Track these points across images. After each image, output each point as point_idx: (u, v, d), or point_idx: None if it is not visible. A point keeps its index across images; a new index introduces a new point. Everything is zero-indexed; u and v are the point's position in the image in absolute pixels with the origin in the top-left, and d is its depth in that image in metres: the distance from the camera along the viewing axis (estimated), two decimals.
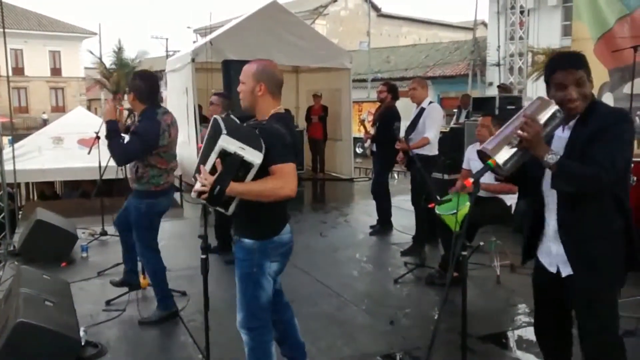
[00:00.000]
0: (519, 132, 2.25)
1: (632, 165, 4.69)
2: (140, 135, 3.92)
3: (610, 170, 2.20)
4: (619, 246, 2.38)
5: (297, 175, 2.62)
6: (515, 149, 2.29)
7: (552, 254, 2.52)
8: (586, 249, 2.40)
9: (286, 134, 2.66)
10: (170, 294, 4.32)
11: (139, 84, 4.04)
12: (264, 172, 2.54)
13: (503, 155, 2.30)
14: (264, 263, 2.70)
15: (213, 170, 2.49)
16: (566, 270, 2.47)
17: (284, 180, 2.55)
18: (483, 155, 2.36)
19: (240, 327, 2.78)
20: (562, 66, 2.36)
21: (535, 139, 2.24)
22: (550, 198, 2.48)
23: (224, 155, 2.48)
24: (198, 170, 2.55)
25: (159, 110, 4.10)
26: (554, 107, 2.30)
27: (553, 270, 2.52)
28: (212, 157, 2.50)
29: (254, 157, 2.49)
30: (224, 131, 2.49)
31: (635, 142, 6.02)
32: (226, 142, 2.47)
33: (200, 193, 2.51)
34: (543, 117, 2.29)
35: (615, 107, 2.53)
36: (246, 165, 2.49)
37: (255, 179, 2.53)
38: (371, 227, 6.94)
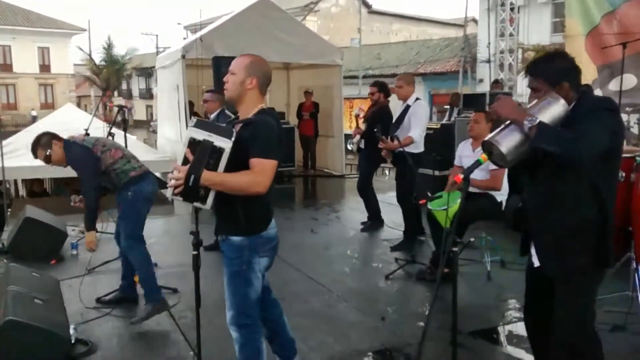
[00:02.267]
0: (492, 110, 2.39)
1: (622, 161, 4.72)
2: (81, 169, 4.19)
3: (589, 140, 2.22)
4: (588, 238, 2.38)
5: (274, 172, 2.61)
6: (506, 129, 2.35)
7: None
8: (551, 238, 2.45)
9: (276, 127, 2.67)
10: (157, 286, 4.30)
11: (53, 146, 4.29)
12: (244, 164, 2.54)
13: (497, 137, 2.35)
14: (253, 259, 2.70)
15: (185, 163, 2.50)
16: (537, 261, 2.54)
17: (259, 177, 2.54)
18: (487, 148, 2.40)
19: (230, 324, 2.77)
20: (526, 72, 2.54)
21: (504, 108, 2.33)
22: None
23: (193, 144, 2.50)
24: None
25: (84, 142, 4.32)
26: (557, 100, 2.35)
27: (535, 262, 2.57)
28: (182, 150, 2.52)
29: (223, 142, 2.49)
30: (192, 124, 2.54)
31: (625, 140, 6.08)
32: (193, 132, 2.51)
33: (175, 188, 2.51)
34: (538, 105, 2.36)
35: (603, 97, 2.57)
36: (217, 152, 2.49)
37: (233, 170, 2.53)
38: (362, 223, 6.95)
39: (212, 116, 5.60)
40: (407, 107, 5.81)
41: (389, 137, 5.62)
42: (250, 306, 2.74)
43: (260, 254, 2.72)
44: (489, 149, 2.37)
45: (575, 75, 2.44)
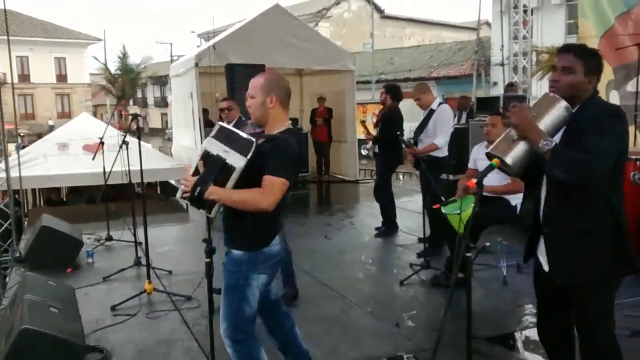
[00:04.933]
0: (507, 119, 2.30)
1: (638, 163, 4.66)
2: None
3: (601, 159, 2.21)
4: (603, 246, 2.36)
5: (283, 191, 2.59)
6: (519, 145, 2.31)
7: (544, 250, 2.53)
8: (564, 244, 2.41)
9: (296, 148, 2.68)
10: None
11: None
12: (258, 176, 2.54)
13: (508, 153, 2.31)
14: (251, 275, 2.68)
15: (196, 172, 2.54)
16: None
17: (265, 195, 2.53)
18: (492, 158, 2.36)
19: (223, 336, 2.76)
20: (560, 50, 2.49)
21: (524, 123, 2.27)
22: (543, 193, 2.50)
23: (206, 157, 2.52)
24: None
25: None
26: (561, 103, 2.32)
27: (547, 268, 2.53)
28: (196, 160, 2.56)
29: (237, 160, 2.49)
30: (212, 135, 2.55)
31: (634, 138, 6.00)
32: (209, 145, 2.53)
33: (184, 192, 2.58)
34: (545, 109, 2.32)
35: (609, 103, 2.55)
36: (228, 169, 2.50)
37: (248, 183, 2.53)
38: (376, 229, 6.91)
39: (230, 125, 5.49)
40: (431, 112, 5.81)
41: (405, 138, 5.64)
42: (244, 321, 2.73)
43: (260, 270, 2.70)
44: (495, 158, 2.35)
45: (599, 77, 2.45)
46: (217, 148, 2.51)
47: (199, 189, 2.49)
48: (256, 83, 2.72)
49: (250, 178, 2.54)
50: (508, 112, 2.33)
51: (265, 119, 2.73)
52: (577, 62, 2.38)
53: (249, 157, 2.50)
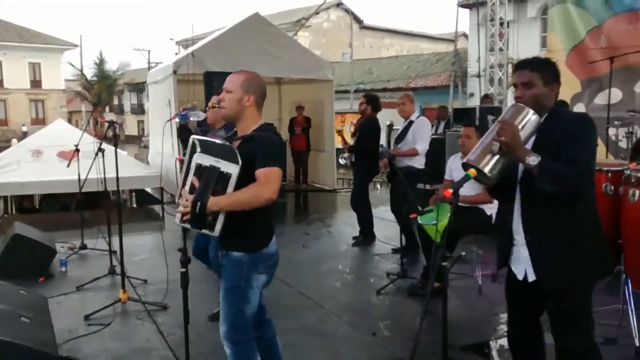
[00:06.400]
0: (497, 137, 2.30)
1: (610, 174, 4.75)
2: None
3: (588, 170, 2.31)
4: (586, 249, 2.43)
5: (280, 178, 2.58)
6: (497, 156, 2.32)
7: (521, 259, 2.56)
8: (550, 250, 2.45)
9: (277, 142, 2.69)
10: None
11: None
12: (249, 178, 2.52)
13: (487, 164, 2.33)
14: (252, 276, 2.69)
15: (192, 190, 2.49)
16: (533, 275, 2.53)
17: (265, 185, 2.51)
18: (468, 167, 2.38)
19: (223, 339, 2.74)
20: (516, 67, 2.56)
21: (513, 142, 2.29)
22: (517, 203, 2.54)
23: (200, 170, 2.48)
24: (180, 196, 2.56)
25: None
26: (530, 112, 2.35)
27: (521, 277, 2.56)
28: (190, 177, 2.50)
29: (230, 168, 2.48)
30: (198, 149, 2.51)
31: (606, 151, 6.13)
32: (200, 159, 2.49)
33: (184, 215, 2.49)
34: (520, 122, 2.34)
35: (577, 112, 2.62)
36: (224, 177, 2.47)
37: (241, 185, 2.51)
38: (354, 238, 6.93)
39: (221, 132, 5.40)
40: (410, 123, 5.98)
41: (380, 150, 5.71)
42: (245, 322, 2.72)
43: (260, 270, 2.72)
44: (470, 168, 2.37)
45: (559, 82, 2.52)
46: (208, 160, 2.47)
47: (199, 203, 2.44)
48: (236, 79, 2.72)
49: (240, 181, 2.52)
50: (499, 130, 2.31)
51: (237, 116, 2.72)
52: (533, 75, 2.45)
53: (240, 164, 2.49)
